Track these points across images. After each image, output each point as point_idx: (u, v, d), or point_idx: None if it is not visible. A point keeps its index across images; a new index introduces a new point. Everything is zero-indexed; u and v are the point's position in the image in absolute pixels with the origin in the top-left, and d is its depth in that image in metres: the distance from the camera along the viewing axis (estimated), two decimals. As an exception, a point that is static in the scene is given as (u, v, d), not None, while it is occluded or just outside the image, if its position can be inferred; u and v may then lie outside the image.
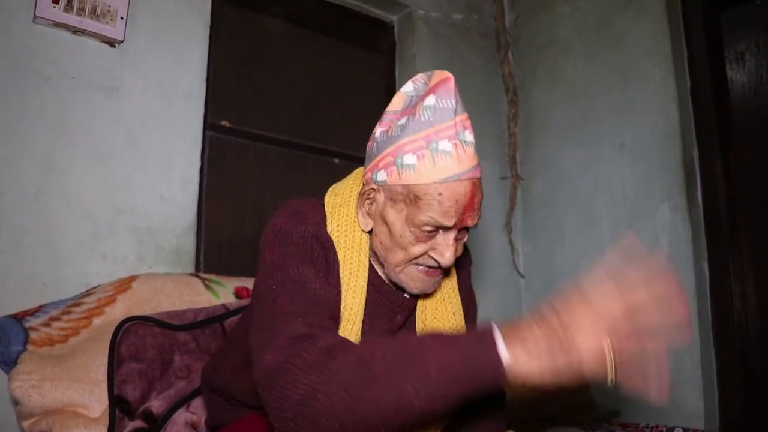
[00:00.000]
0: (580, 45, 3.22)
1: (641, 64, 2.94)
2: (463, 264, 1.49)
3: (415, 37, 3.19)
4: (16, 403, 1.64)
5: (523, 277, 3.39)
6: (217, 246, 2.45)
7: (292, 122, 2.77)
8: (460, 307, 1.40)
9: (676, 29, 2.90)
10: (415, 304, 1.38)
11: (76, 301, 1.86)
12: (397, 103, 1.25)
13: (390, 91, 3.22)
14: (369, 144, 1.27)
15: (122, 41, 2.22)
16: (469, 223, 1.18)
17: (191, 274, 2.10)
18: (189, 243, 2.30)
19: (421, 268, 1.22)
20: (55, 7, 2.08)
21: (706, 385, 2.63)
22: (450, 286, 1.40)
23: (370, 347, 0.97)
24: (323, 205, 1.30)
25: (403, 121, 1.19)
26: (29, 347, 1.70)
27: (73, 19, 2.11)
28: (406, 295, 1.34)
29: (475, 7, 3.47)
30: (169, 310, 1.83)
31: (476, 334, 0.95)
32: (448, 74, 1.20)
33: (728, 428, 2.57)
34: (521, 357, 0.90)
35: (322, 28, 3.02)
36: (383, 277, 1.31)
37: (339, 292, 1.20)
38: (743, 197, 2.74)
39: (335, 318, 1.15)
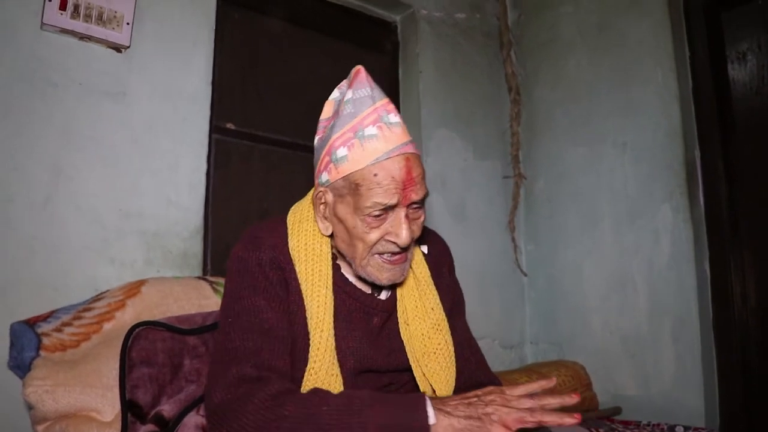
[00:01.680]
0: (583, 44, 3.24)
1: (643, 63, 2.96)
2: (440, 260, 1.54)
3: (418, 37, 3.20)
4: (30, 407, 1.67)
5: (525, 275, 3.41)
6: (223, 248, 2.47)
7: (296, 123, 2.79)
8: (438, 301, 1.43)
9: (678, 29, 2.92)
10: (394, 305, 1.42)
11: (87, 306, 1.89)
12: (327, 110, 1.33)
13: (393, 92, 3.24)
14: (314, 155, 1.35)
15: (128, 47, 2.24)
16: (414, 197, 1.22)
17: (199, 278, 2.12)
18: (196, 246, 2.32)
19: (384, 257, 1.27)
20: (62, 13, 2.10)
21: (707, 384, 2.66)
22: (425, 282, 1.43)
23: (318, 400, 1.07)
24: (286, 223, 1.37)
25: (332, 122, 1.27)
26: (42, 353, 1.73)
27: (79, 26, 2.14)
28: (381, 297, 1.39)
29: (477, 6, 3.48)
30: (178, 315, 1.86)
31: (410, 399, 1.06)
32: (359, 67, 1.29)
33: (728, 426, 2.61)
34: (445, 425, 1.01)
35: (326, 29, 3.04)
36: (355, 282, 1.37)
37: (288, 318, 1.27)
38: (745, 197, 2.76)
39: (289, 350, 1.22)
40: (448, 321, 1.46)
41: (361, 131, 1.21)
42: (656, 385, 2.79)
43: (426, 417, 1.01)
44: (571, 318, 3.18)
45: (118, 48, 2.23)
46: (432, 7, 3.27)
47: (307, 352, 1.26)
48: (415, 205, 1.25)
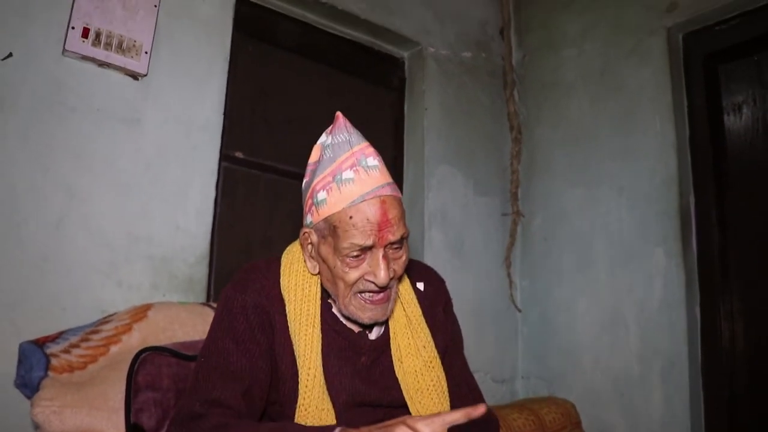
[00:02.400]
0: (585, 88, 3.32)
1: (643, 110, 3.04)
2: (435, 299, 1.57)
3: (424, 74, 3.28)
4: (36, 427, 1.71)
5: (520, 311, 3.46)
6: (227, 275, 2.52)
7: (302, 155, 2.78)
8: (430, 340, 1.47)
9: (677, 79, 3.00)
10: (386, 344, 1.46)
11: (94, 328, 1.93)
12: (314, 155, 1.39)
13: (398, 126, 3.32)
14: (302, 197, 1.41)
15: (145, 75, 2.31)
16: (391, 238, 1.27)
17: (204, 304, 2.17)
18: (201, 272, 2.38)
19: (366, 296, 1.32)
20: (83, 41, 2.17)
21: (694, 426, 2.71)
22: (416, 321, 1.47)
23: None
24: (281, 262, 1.44)
25: (316, 167, 1.35)
26: (50, 373, 1.77)
27: (100, 53, 2.21)
28: (371, 336, 1.43)
29: (483, 45, 3.57)
30: (183, 341, 1.90)
31: None
32: (338, 113, 1.37)
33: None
34: None
35: (336, 63, 3.12)
36: (344, 321, 1.41)
37: (265, 363, 1.34)
38: (736, 245, 2.83)
39: (247, 391, 1.28)
40: (446, 358, 1.51)
41: (339, 175, 1.27)
42: (644, 425, 2.84)
43: None
44: (563, 355, 3.24)
45: (135, 76, 2.30)
46: (439, 45, 3.35)
47: (297, 389, 1.32)
48: (395, 245, 1.30)
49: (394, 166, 3.28)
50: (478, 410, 1.03)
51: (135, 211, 2.25)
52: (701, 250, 2.87)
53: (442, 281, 1.64)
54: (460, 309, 1.68)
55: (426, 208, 3.15)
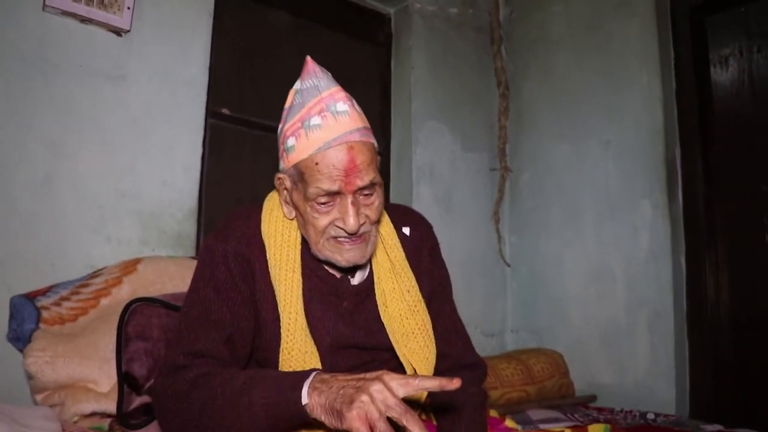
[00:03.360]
0: (572, 43, 3.31)
1: (629, 64, 3.04)
2: (420, 244, 1.55)
3: (411, 30, 3.27)
4: (30, 377, 1.74)
5: (509, 265, 3.50)
6: (216, 230, 2.53)
7: None
8: (414, 284, 1.46)
9: (664, 32, 3.00)
10: (369, 288, 1.45)
11: (84, 282, 1.95)
12: (288, 99, 1.36)
13: (385, 82, 3.31)
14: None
15: (128, 31, 2.29)
16: (359, 183, 1.25)
17: (193, 258, 2.19)
18: (190, 228, 2.39)
19: (339, 239, 1.31)
20: (64, -4, 2.14)
21: (679, 374, 2.77)
22: (400, 265, 1.46)
23: (219, 382, 1.16)
24: (261, 210, 1.44)
25: (287, 113, 1.33)
26: (41, 326, 1.80)
27: (81, 8, 2.18)
28: (354, 281, 1.43)
29: (470, 1, 3.55)
30: (173, 292, 1.93)
31: (294, 379, 1.11)
32: (307, 58, 1.35)
33: (697, 414, 2.71)
34: (315, 405, 1.05)
35: (321, 20, 3.10)
36: (326, 267, 1.41)
37: (248, 311, 1.34)
38: (721, 196, 2.86)
39: (229, 339, 1.29)
40: (433, 304, 1.51)
41: (308, 121, 1.25)
42: (631, 374, 2.90)
43: (300, 397, 1.06)
44: (551, 308, 3.28)
45: (118, 32, 2.28)
46: (425, 1, 3.32)
47: (279, 334, 1.32)
48: (365, 192, 1.28)
49: (382, 122, 3.28)
50: (453, 383, 1.03)
51: (122, 167, 2.25)
52: (687, 201, 2.91)
53: (429, 226, 1.62)
54: (449, 264, 1.67)
55: (414, 164, 3.15)
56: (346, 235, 1.29)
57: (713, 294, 2.85)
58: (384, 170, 3.17)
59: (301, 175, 1.27)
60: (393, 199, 3.16)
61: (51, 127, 2.12)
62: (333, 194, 1.26)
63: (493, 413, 1.61)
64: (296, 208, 1.34)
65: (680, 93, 2.97)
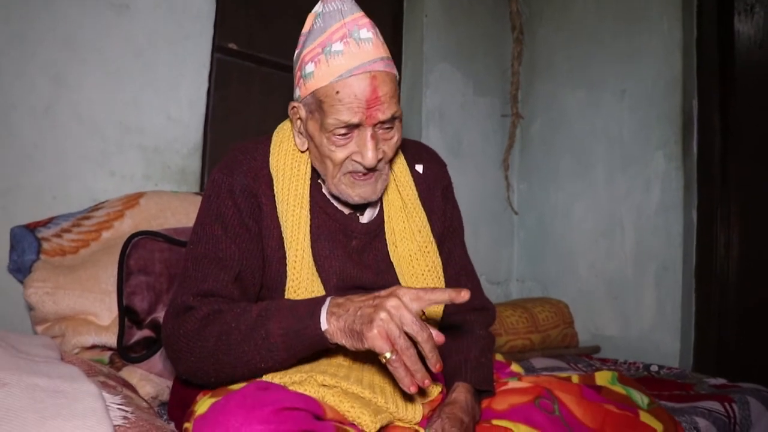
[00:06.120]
0: (590, -14, 3.20)
1: (649, 10, 2.94)
2: (433, 182, 1.50)
3: (424, -32, 3.16)
4: (30, 308, 1.72)
5: (516, 213, 3.46)
6: (221, 168, 2.49)
7: None
8: (426, 224, 1.42)
9: (688, -24, 2.89)
10: (379, 227, 1.41)
11: (86, 214, 1.92)
12: (306, 24, 1.29)
13: (397, 22, 3.21)
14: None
15: (133, -43, 2.21)
16: (380, 117, 1.20)
17: (197, 194, 2.15)
18: (195, 164, 2.34)
19: (354, 175, 1.26)
20: None
21: (684, 328, 2.75)
22: (412, 204, 1.42)
23: (232, 317, 1.14)
24: (270, 142, 1.38)
25: (306, 37, 1.26)
26: (42, 257, 1.77)
27: (85, -68, 2.10)
28: (363, 219, 1.39)
29: (487, -60, 3.42)
30: (175, 227, 1.89)
31: (310, 306, 1.11)
32: None
33: (700, 368, 2.70)
34: (335, 330, 1.06)
35: (333, -46, 2.98)
36: (335, 203, 1.37)
37: (256, 247, 1.30)
38: (737, 150, 2.80)
39: (238, 276, 1.25)
40: (445, 245, 1.47)
41: (329, 47, 1.19)
42: (635, 326, 2.88)
43: (318, 323, 1.06)
44: (558, 258, 3.25)
45: (122, -42, 2.20)
46: (441, -61, 3.21)
47: (285, 272, 1.29)
48: (385, 125, 1.23)
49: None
50: (462, 295, 1.03)
51: (126, 100, 2.19)
52: (701, 154, 2.84)
53: (443, 164, 1.56)
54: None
55: (424, 106, 3.09)
56: (361, 170, 1.24)
57: (723, 249, 2.81)
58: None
59: (319, 103, 1.21)
60: (401, 143, 3.11)
61: (53, 56, 2.05)
62: (352, 126, 1.20)
63: (499, 357, 1.58)
64: (311, 139, 1.28)
65: (701, 41, 2.87)
